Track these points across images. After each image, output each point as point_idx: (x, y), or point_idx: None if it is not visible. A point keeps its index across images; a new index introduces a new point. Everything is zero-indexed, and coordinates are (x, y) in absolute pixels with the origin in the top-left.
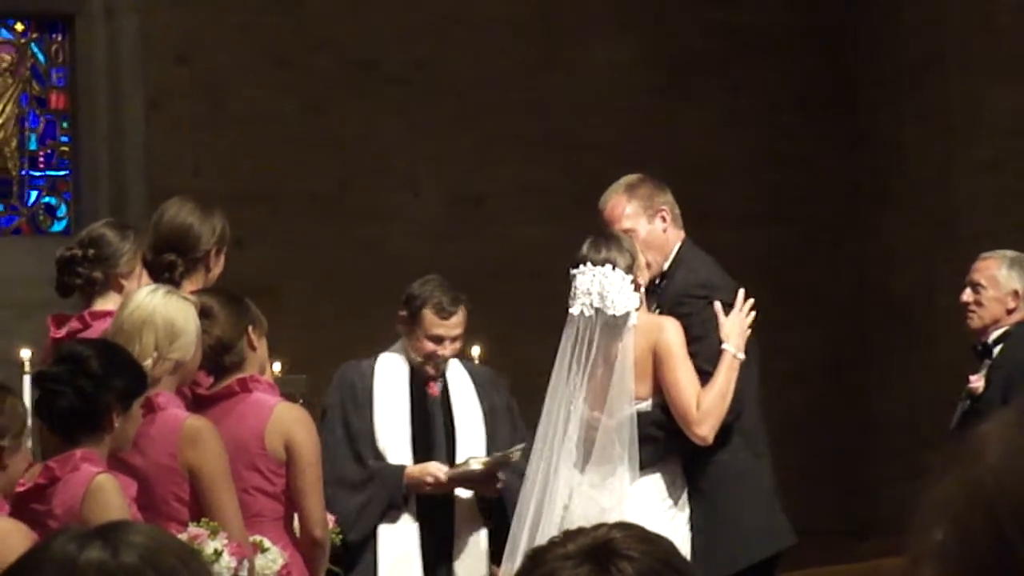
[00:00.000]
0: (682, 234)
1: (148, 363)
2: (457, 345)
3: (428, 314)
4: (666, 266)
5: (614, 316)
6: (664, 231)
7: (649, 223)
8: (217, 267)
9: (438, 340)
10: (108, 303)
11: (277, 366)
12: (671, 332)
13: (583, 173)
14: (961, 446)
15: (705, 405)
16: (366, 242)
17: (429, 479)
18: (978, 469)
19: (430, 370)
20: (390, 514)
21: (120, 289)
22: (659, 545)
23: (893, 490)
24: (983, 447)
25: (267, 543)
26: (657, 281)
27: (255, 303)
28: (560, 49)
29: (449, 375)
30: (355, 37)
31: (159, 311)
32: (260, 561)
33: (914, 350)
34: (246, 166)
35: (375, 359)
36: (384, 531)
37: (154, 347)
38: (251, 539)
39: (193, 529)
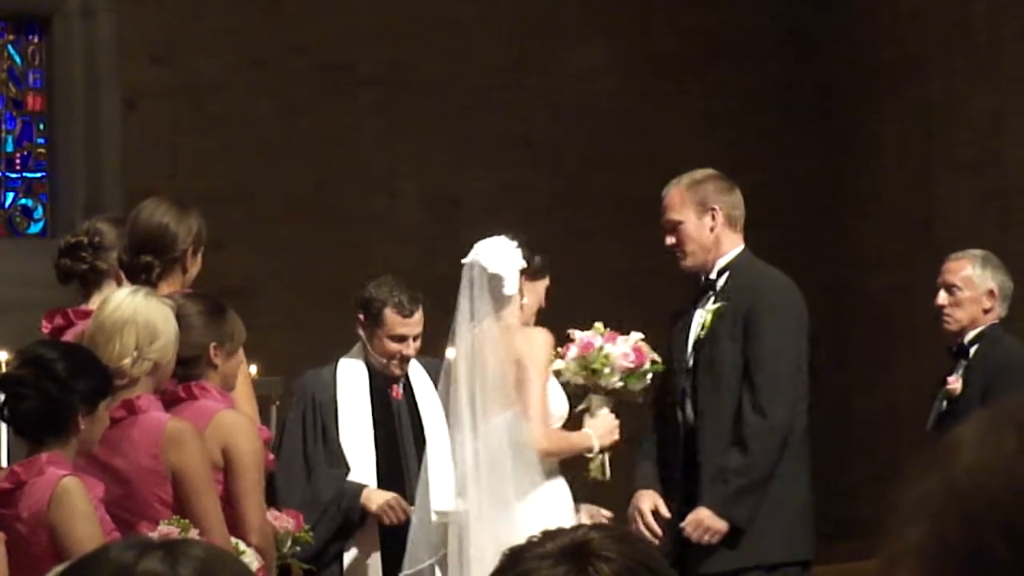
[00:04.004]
0: (740, 239)
1: (127, 362)
2: (418, 343)
3: (390, 314)
4: (719, 265)
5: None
6: (711, 230)
7: (698, 219)
8: (194, 267)
9: (401, 339)
10: (103, 297)
11: (253, 368)
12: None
13: (560, 175)
14: (938, 446)
15: (555, 439)
16: (343, 243)
17: (384, 520)
18: (954, 469)
19: (395, 371)
20: (352, 538)
21: (120, 283)
22: (636, 546)
23: (871, 491)
24: (960, 447)
25: (242, 546)
26: (710, 278)
27: (230, 304)
28: (537, 51)
29: (411, 374)
30: (332, 39)
31: (140, 311)
32: None
33: (892, 351)
34: (223, 167)
35: (335, 366)
36: (347, 556)
37: (134, 347)
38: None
39: (164, 527)
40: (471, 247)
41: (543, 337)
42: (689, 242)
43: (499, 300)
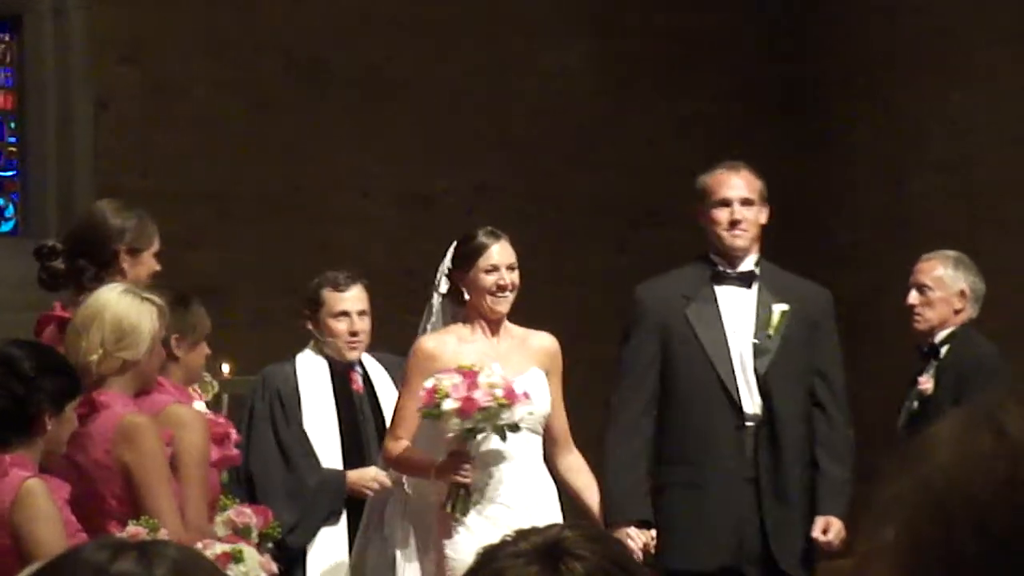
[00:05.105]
0: None
1: (93, 359)
2: (366, 322)
3: (327, 293)
4: (752, 260)
5: None
6: (763, 224)
7: (760, 208)
8: (137, 269)
9: (344, 315)
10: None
11: (226, 367)
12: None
13: (534, 175)
14: (912, 446)
15: (395, 453)
16: (316, 242)
17: (374, 485)
18: (929, 468)
19: (349, 353)
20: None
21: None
22: (609, 546)
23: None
24: (935, 446)
25: (247, 551)
26: (747, 270)
27: (204, 304)
28: (510, 51)
29: (369, 368)
30: (304, 37)
31: (110, 308)
32: (231, 572)
33: (865, 350)
34: (195, 166)
35: (294, 361)
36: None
37: (100, 344)
38: (229, 548)
39: (132, 527)
40: (444, 246)
41: (419, 350)
42: (753, 226)
43: (429, 312)
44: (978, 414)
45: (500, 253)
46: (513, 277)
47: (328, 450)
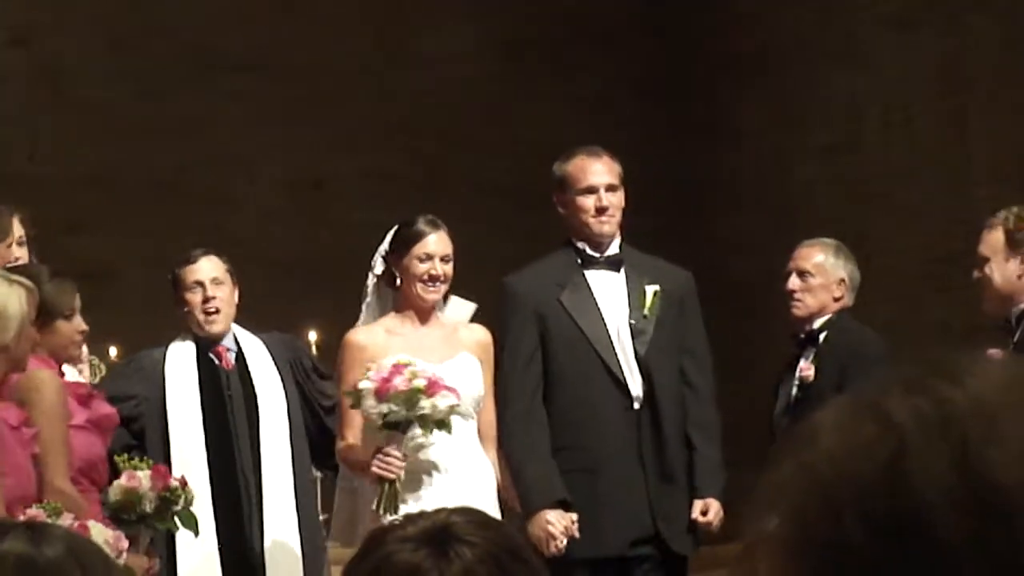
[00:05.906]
0: None
1: None
2: (223, 290)
3: (180, 271)
4: (617, 242)
5: None
6: (622, 209)
7: (623, 194)
8: None
9: (198, 284)
10: None
11: (114, 351)
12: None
13: (423, 159)
14: (796, 433)
15: (342, 450)
16: (205, 227)
17: None
18: (813, 455)
19: (208, 325)
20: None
21: None
22: (499, 531)
23: (729, 475)
24: (819, 433)
25: (92, 526)
26: (612, 253)
27: (93, 288)
28: (398, 36)
29: (244, 345)
30: (194, 22)
31: None
32: None
33: (752, 337)
34: (83, 150)
35: (167, 345)
36: (182, 536)
37: None
38: (87, 523)
39: (32, 511)
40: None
41: (348, 343)
42: (619, 211)
43: (364, 294)
44: (863, 400)
45: (436, 243)
46: (446, 268)
47: (190, 428)
